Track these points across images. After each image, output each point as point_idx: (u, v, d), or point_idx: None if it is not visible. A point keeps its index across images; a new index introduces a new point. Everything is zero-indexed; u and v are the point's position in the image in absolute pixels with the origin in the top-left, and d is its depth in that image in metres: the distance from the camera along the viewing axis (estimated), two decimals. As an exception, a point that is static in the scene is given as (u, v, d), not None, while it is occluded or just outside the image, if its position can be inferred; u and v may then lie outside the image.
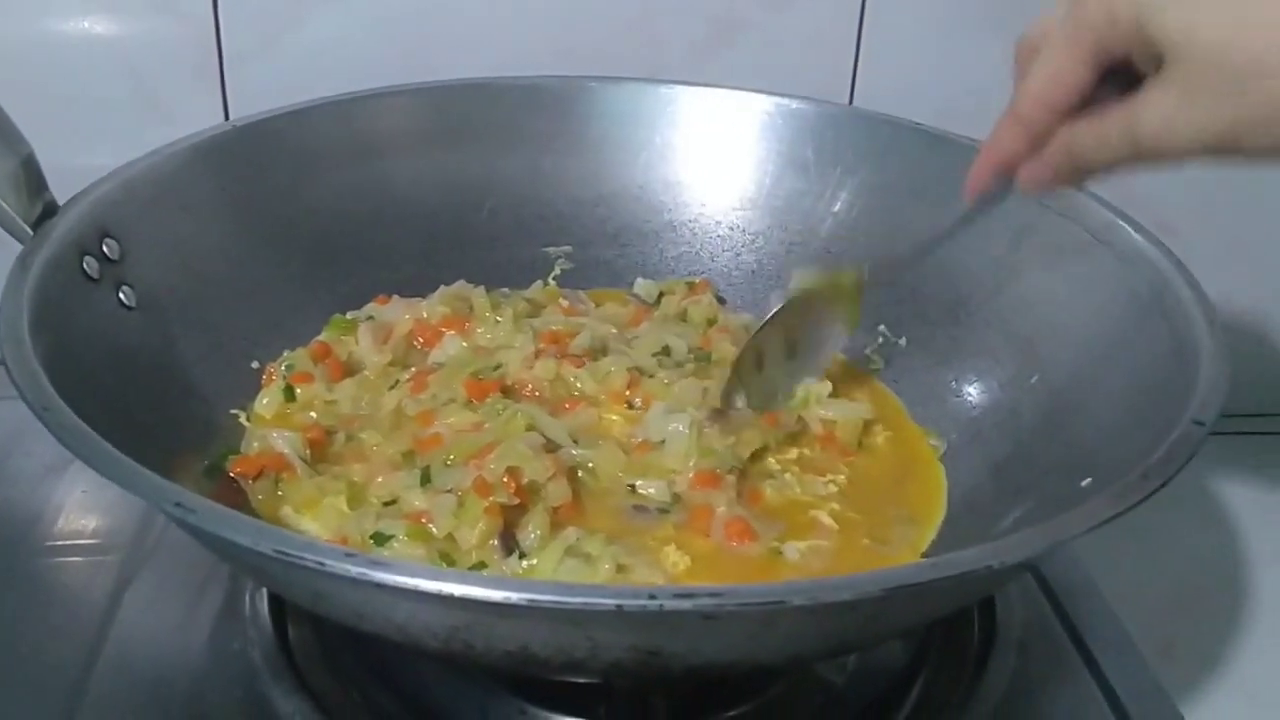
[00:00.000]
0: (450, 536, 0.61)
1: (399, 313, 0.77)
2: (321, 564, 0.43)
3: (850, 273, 0.71)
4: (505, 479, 0.62)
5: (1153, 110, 0.49)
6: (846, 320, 0.73)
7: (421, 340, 0.76)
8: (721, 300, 0.85)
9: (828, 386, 0.75)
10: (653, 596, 0.43)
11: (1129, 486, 0.50)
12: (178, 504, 0.47)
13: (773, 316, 0.71)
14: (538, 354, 0.74)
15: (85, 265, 0.64)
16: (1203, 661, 0.76)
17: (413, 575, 0.43)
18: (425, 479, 0.64)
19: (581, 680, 0.57)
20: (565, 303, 0.82)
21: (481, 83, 0.85)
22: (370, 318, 0.78)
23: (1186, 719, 0.64)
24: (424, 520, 0.62)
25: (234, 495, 0.65)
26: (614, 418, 0.71)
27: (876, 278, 0.71)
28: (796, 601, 0.43)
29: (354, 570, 0.43)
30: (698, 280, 0.85)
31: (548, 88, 0.86)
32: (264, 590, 0.66)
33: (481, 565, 0.60)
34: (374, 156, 0.82)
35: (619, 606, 0.43)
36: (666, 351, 0.76)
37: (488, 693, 0.63)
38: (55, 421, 0.51)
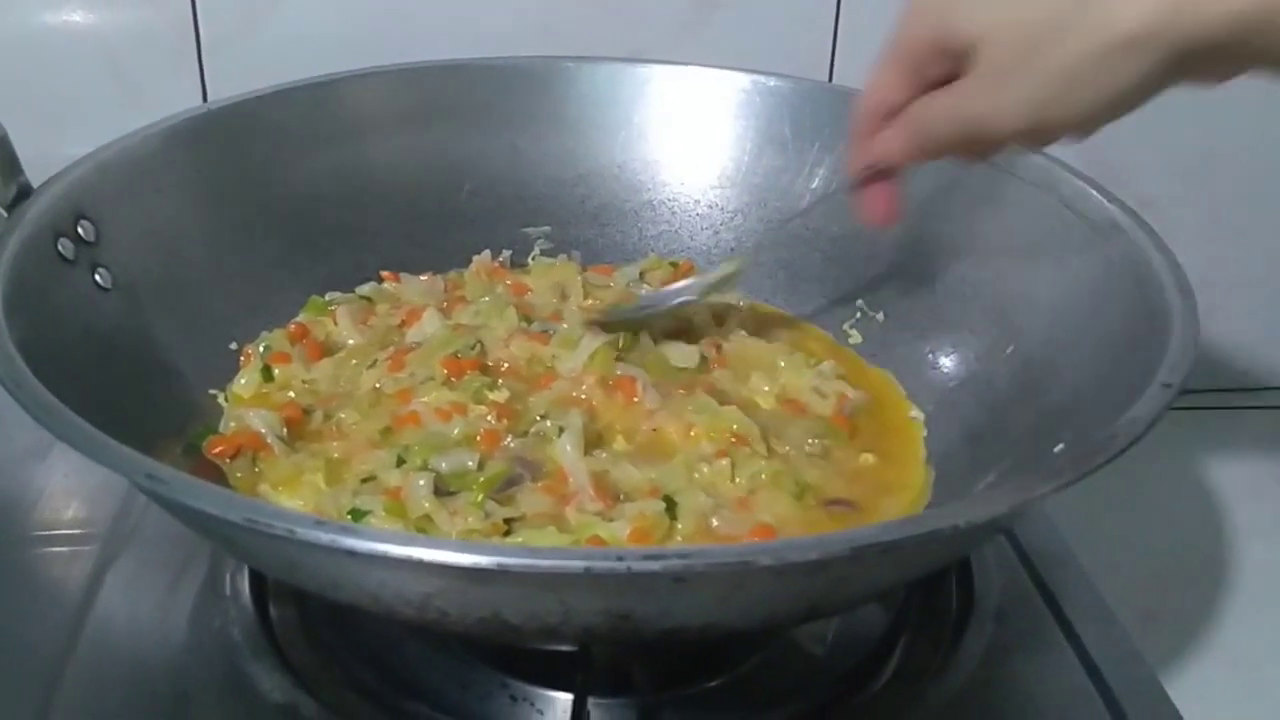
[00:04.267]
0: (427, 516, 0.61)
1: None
2: (291, 531, 0.44)
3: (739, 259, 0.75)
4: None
5: (974, 90, 0.53)
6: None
7: (401, 319, 0.77)
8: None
9: (833, 366, 0.75)
10: (620, 558, 0.43)
11: (1096, 447, 0.50)
12: (148, 475, 0.47)
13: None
14: (515, 334, 0.74)
15: (60, 247, 0.64)
16: (1184, 631, 0.76)
17: (382, 541, 0.43)
18: (400, 462, 0.64)
19: (558, 648, 0.57)
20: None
21: (459, 64, 0.85)
22: (366, 298, 0.79)
23: (1168, 688, 0.64)
24: (401, 495, 0.62)
25: (213, 475, 0.65)
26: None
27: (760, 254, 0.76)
28: (763, 561, 0.44)
29: (324, 537, 0.43)
30: (681, 262, 0.85)
31: (526, 68, 0.86)
32: (245, 569, 0.67)
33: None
34: (352, 138, 0.82)
35: (588, 569, 0.43)
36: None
37: (469, 667, 0.63)
38: (28, 398, 0.51)
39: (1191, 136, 0.93)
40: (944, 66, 0.55)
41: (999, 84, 0.52)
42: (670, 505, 0.62)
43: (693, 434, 0.68)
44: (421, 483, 0.61)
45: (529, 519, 0.62)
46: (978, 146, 0.57)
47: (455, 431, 0.66)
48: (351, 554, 0.44)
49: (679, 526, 0.62)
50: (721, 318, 0.80)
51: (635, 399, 0.70)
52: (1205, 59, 0.49)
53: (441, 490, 0.62)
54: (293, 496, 0.64)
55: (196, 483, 0.47)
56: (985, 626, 0.66)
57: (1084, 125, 0.52)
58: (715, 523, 0.62)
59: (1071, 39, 0.49)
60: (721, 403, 0.69)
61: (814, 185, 0.83)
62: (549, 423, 0.67)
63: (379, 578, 0.47)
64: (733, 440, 0.67)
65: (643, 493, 0.64)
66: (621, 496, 0.63)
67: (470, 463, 0.63)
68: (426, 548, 0.43)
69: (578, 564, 0.43)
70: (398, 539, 0.44)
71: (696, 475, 0.65)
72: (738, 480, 0.65)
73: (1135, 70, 0.48)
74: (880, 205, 0.64)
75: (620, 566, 0.43)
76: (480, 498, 0.61)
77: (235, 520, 0.45)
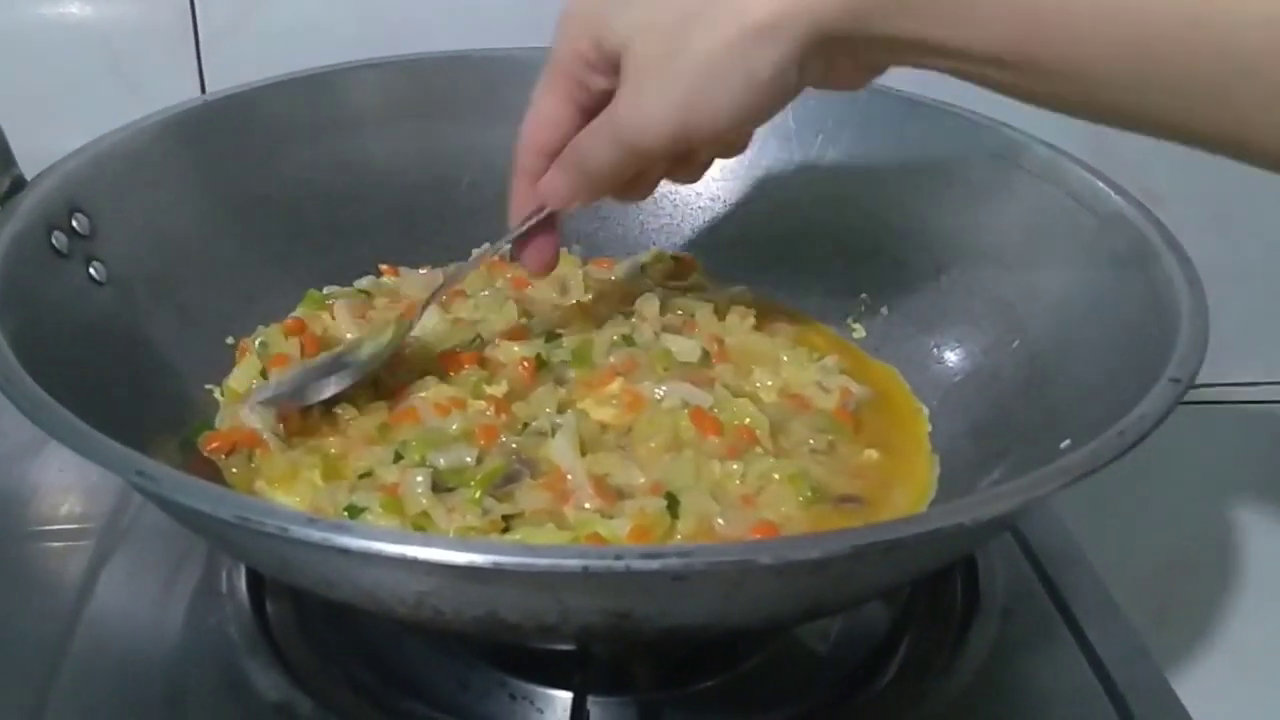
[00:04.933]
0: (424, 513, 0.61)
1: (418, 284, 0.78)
2: (284, 529, 0.43)
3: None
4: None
5: (623, 105, 0.54)
6: None
7: (399, 313, 0.76)
8: (708, 274, 0.84)
9: (837, 361, 0.74)
10: (619, 557, 0.42)
11: (1104, 444, 0.49)
12: (140, 472, 0.46)
13: None
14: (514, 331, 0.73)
15: (54, 240, 0.63)
16: (1192, 629, 0.76)
17: (375, 539, 0.43)
18: (398, 458, 0.64)
19: (557, 647, 0.56)
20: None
21: (458, 55, 0.84)
22: (365, 292, 0.78)
23: (1176, 685, 0.63)
24: (399, 492, 0.61)
25: (210, 471, 0.65)
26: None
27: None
28: (764, 560, 0.43)
29: (316, 535, 0.43)
30: (684, 256, 0.84)
31: (525, 59, 0.84)
32: (242, 566, 0.66)
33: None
34: (350, 130, 0.81)
35: (585, 567, 0.42)
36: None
37: (467, 665, 0.62)
38: (19, 393, 0.50)
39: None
40: (602, 80, 0.56)
41: (643, 88, 0.53)
42: (673, 503, 0.61)
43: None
44: (419, 479, 0.60)
45: (528, 516, 0.61)
46: (633, 166, 0.57)
47: (453, 427, 0.66)
48: (344, 552, 0.43)
49: (679, 524, 0.61)
50: (724, 312, 0.79)
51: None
52: (842, 50, 0.50)
53: (439, 486, 0.61)
54: (289, 493, 0.63)
55: (188, 480, 0.47)
56: (991, 624, 0.65)
57: (730, 125, 0.52)
58: (720, 521, 0.61)
59: (705, 32, 0.50)
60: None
61: (817, 177, 0.82)
62: (546, 420, 0.66)
63: (373, 576, 0.46)
64: (743, 435, 0.67)
65: (644, 490, 0.63)
66: (622, 494, 0.63)
67: (468, 458, 0.63)
68: (420, 546, 0.42)
69: (575, 563, 0.42)
70: (391, 537, 0.43)
71: (703, 473, 0.64)
72: (745, 479, 0.64)
73: (770, 60, 0.49)
74: (540, 255, 0.66)
75: (619, 565, 0.42)
76: (478, 494, 0.60)
77: (227, 518, 0.44)
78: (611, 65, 0.55)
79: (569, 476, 0.63)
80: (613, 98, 0.56)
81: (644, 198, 0.66)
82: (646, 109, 0.53)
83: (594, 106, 0.58)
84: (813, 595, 0.49)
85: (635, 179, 0.63)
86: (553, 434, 0.65)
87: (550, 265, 0.67)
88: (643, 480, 0.63)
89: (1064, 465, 0.49)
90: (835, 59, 0.51)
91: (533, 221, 0.64)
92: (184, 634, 0.63)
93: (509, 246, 0.68)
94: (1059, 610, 0.67)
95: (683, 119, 0.52)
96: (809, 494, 0.64)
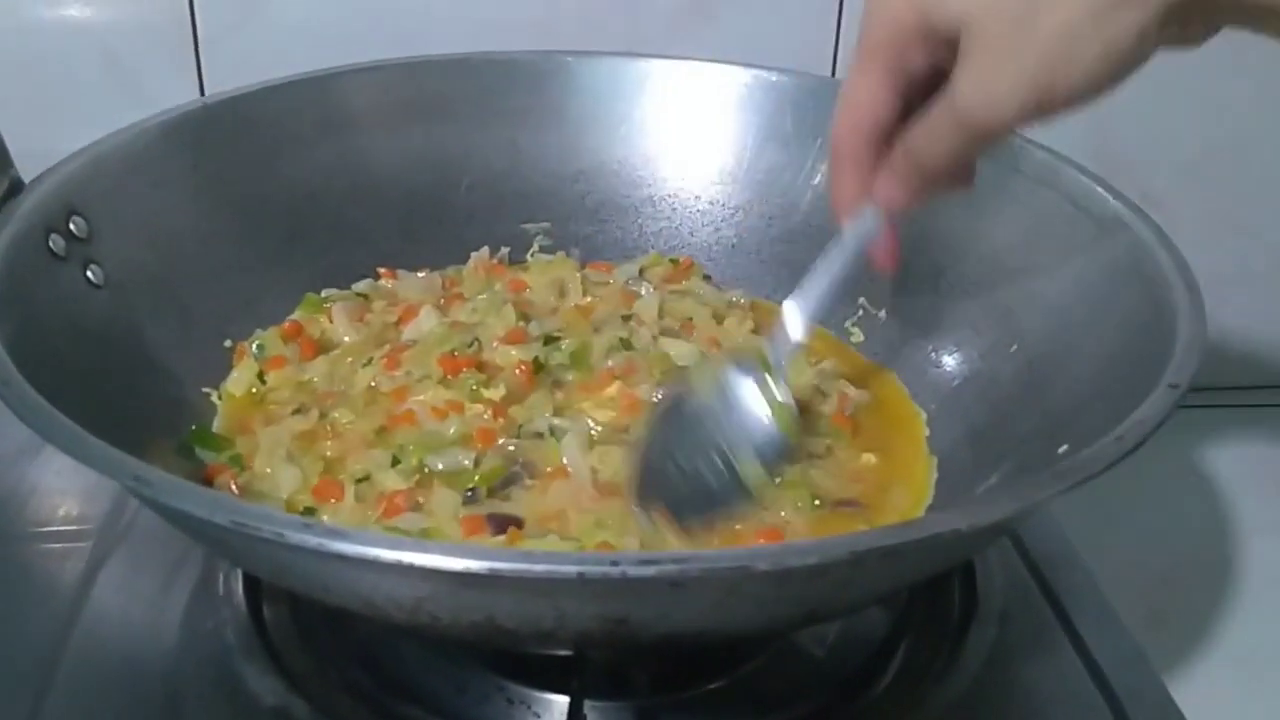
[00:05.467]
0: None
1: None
2: (279, 535, 0.43)
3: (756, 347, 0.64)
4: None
5: (967, 86, 0.49)
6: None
7: (397, 317, 0.76)
8: (707, 278, 0.84)
9: (835, 365, 0.75)
10: (615, 563, 0.42)
11: (1102, 450, 0.49)
12: (136, 477, 0.46)
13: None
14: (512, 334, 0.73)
15: (52, 243, 0.63)
16: (1189, 634, 0.75)
17: (372, 545, 0.43)
18: (396, 461, 0.64)
19: (554, 652, 0.56)
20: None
21: (458, 58, 0.84)
22: (364, 295, 0.78)
23: (1173, 690, 0.63)
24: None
25: (206, 475, 0.65)
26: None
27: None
28: (761, 566, 0.43)
29: (312, 541, 0.43)
30: (681, 259, 0.84)
31: (525, 63, 0.85)
32: (239, 571, 0.66)
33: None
34: (349, 133, 0.81)
35: (581, 574, 0.42)
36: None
37: (465, 670, 0.62)
38: (15, 397, 0.50)
39: (1196, 132, 0.93)
40: (927, 56, 0.51)
41: (992, 66, 0.48)
42: None
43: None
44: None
45: (529, 525, 0.61)
46: (977, 152, 0.54)
47: (451, 430, 0.66)
48: (340, 558, 0.43)
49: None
50: (722, 315, 0.79)
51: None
52: (1195, 8, 0.46)
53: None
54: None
55: (184, 485, 0.47)
56: (988, 629, 0.65)
57: (1085, 95, 0.48)
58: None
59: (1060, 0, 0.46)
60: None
61: (816, 181, 0.82)
62: (544, 423, 0.66)
63: (369, 581, 0.46)
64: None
65: None
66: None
67: (465, 461, 0.63)
68: (417, 552, 0.42)
69: (572, 569, 0.42)
70: (387, 543, 0.43)
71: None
72: None
73: (1132, 27, 0.46)
74: (889, 253, 0.60)
75: (615, 571, 0.42)
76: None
77: (223, 523, 0.44)
78: (940, 41, 0.50)
79: (572, 475, 0.62)
80: (938, 79, 0.51)
81: (972, 186, 0.59)
82: (997, 88, 0.48)
83: (910, 91, 0.53)
84: (810, 601, 0.49)
85: (966, 165, 0.57)
86: (553, 435, 0.65)
87: (895, 261, 0.60)
88: None
89: (1061, 471, 0.49)
90: (1190, 17, 0.47)
91: (876, 235, 0.58)
92: (181, 637, 0.63)
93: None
94: (1056, 615, 0.67)
95: (1037, 96, 0.48)
96: (811, 502, 0.64)
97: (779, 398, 0.61)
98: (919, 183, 0.55)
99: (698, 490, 0.60)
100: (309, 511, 0.62)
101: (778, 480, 0.63)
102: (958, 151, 0.53)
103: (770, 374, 0.62)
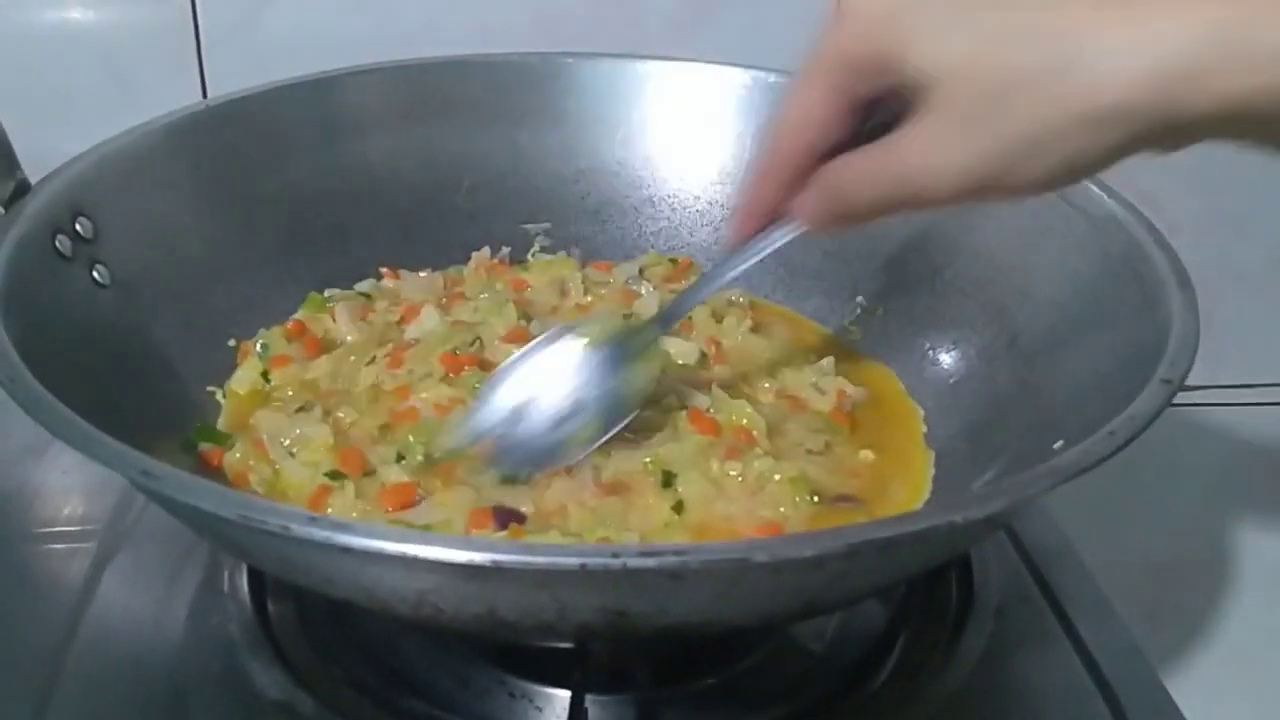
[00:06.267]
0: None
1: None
2: (286, 528, 0.43)
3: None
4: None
5: (916, 146, 0.47)
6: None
7: (400, 316, 0.77)
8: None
9: (832, 362, 0.75)
10: (616, 555, 0.43)
11: (1095, 444, 0.50)
12: (143, 472, 0.47)
13: None
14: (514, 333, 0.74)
15: (58, 243, 0.64)
16: (1185, 628, 0.76)
17: (376, 538, 0.43)
18: (400, 458, 0.64)
19: (556, 645, 0.57)
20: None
21: (458, 60, 0.85)
22: (366, 294, 0.78)
23: (1168, 684, 0.64)
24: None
25: (213, 472, 0.65)
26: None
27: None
28: (760, 558, 0.43)
29: (318, 534, 0.43)
30: (680, 258, 0.85)
31: (525, 64, 0.86)
32: (244, 566, 0.66)
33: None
34: (350, 135, 0.82)
35: (582, 565, 0.43)
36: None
37: (468, 664, 0.63)
38: (24, 394, 0.51)
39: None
40: (878, 87, 0.48)
41: (951, 136, 0.45)
42: (669, 479, 0.63)
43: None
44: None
45: (530, 521, 0.61)
46: (907, 211, 0.50)
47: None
48: (346, 550, 0.43)
49: (683, 517, 0.62)
50: (721, 314, 0.79)
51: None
52: (1177, 135, 0.44)
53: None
54: (291, 493, 0.64)
55: (191, 479, 0.47)
56: (985, 623, 0.66)
57: (1036, 190, 0.46)
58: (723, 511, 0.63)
59: (1045, 100, 0.43)
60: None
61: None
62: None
63: (374, 574, 0.47)
64: (741, 436, 0.67)
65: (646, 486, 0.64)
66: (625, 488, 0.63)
67: (468, 439, 0.64)
68: (421, 544, 0.43)
69: (573, 560, 0.43)
70: (392, 535, 0.44)
71: (707, 471, 0.65)
72: (744, 480, 0.65)
73: (1106, 142, 0.44)
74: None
75: (616, 563, 0.43)
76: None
77: (229, 516, 0.44)
78: (893, 84, 0.47)
79: (575, 471, 0.63)
80: (880, 100, 0.49)
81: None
82: (948, 160, 0.46)
83: (857, 109, 0.50)
84: (809, 593, 0.49)
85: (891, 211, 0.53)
86: None
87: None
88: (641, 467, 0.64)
89: (1055, 465, 0.49)
90: (1164, 139, 0.45)
91: (784, 240, 0.56)
92: (186, 633, 0.64)
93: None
94: (1053, 609, 0.68)
95: (985, 180, 0.45)
96: (809, 497, 0.64)
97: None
98: (844, 212, 0.52)
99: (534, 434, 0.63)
100: (334, 476, 0.63)
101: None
102: (884, 204, 0.50)
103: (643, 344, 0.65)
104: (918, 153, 0.47)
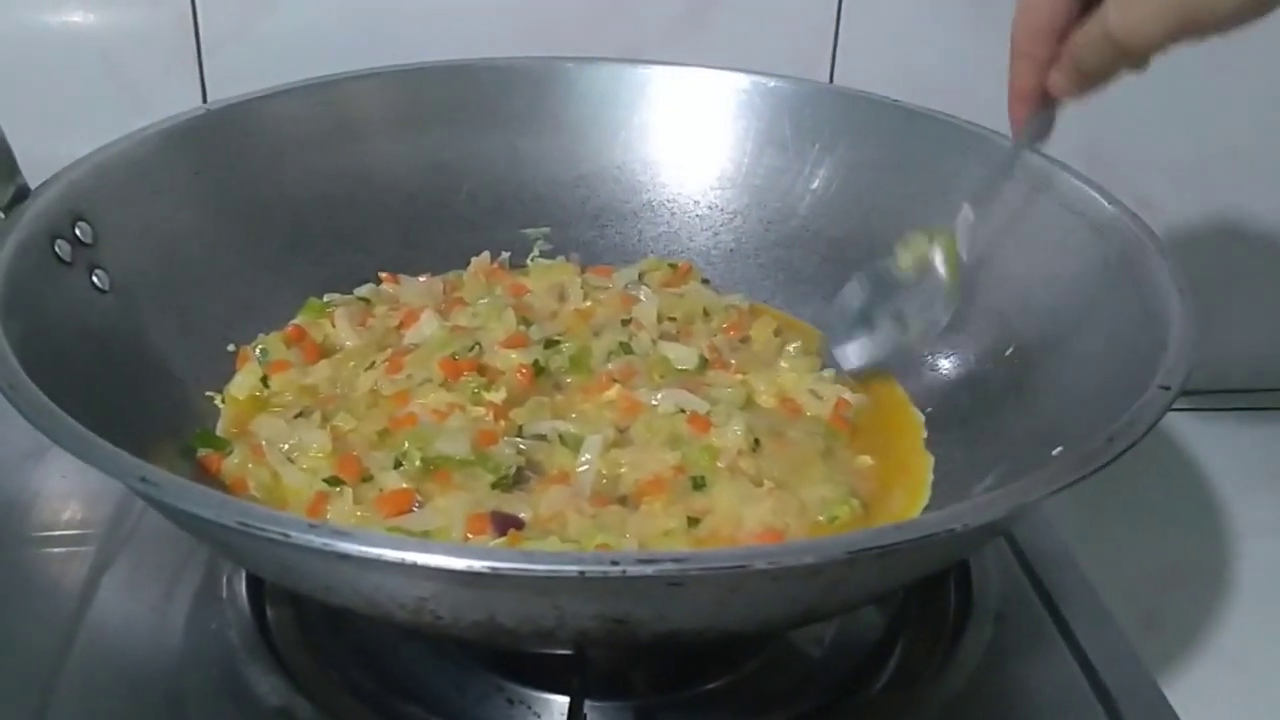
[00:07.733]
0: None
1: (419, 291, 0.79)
2: (285, 535, 0.43)
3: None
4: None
5: (1114, 10, 0.55)
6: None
7: (399, 321, 0.77)
8: (706, 281, 0.85)
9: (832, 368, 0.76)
10: (615, 562, 0.43)
11: (1094, 450, 0.50)
12: (142, 479, 0.47)
13: None
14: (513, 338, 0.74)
15: (57, 248, 0.64)
16: (1183, 634, 0.76)
17: (376, 545, 0.43)
18: (398, 464, 0.64)
19: (554, 651, 0.57)
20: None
21: (458, 65, 0.85)
22: (365, 299, 0.78)
23: (1166, 690, 0.64)
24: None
25: (211, 478, 0.65)
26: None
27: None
28: (759, 565, 0.43)
29: (317, 541, 0.43)
30: (680, 263, 0.85)
31: (524, 69, 0.86)
32: (242, 572, 0.66)
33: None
34: (350, 139, 0.82)
35: (582, 573, 0.43)
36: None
37: (466, 670, 0.63)
38: (23, 400, 0.51)
39: (1190, 137, 0.93)
40: None
41: None
42: (699, 485, 0.64)
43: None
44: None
45: (531, 525, 0.61)
46: (1130, 63, 0.58)
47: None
48: (344, 557, 0.43)
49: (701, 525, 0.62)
50: (721, 320, 0.79)
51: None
52: None
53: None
54: (290, 499, 0.64)
55: (190, 485, 0.47)
56: (984, 629, 0.66)
57: (1233, 23, 0.52)
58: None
59: None
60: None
61: (814, 186, 0.83)
62: (563, 428, 0.67)
63: (373, 581, 0.47)
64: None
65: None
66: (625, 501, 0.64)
67: (466, 445, 0.64)
68: (420, 551, 0.43)
69: (572, 568, 0.43)
70: (391, 542, 0.44)
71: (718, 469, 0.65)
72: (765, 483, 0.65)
73: None
74: (1045, 127, 0.66)
75: (615, 570, 0.42)
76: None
77: (229, 523, 0.44)
78: None
79: (574, 478, 0.64)
80: None
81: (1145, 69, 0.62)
82: (1141, 13, 0.54)
83: None
84: (808, 600, 0.49)
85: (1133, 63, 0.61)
86: (563, 442, 0.66)
87: (1048, 135, 0.67)
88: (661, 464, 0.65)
89: (1054, 471, 0.49)
90: None
91: (1044, 115, 0.65)
92: (185, 639, 0.64)
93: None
94: (1051, 615, 0.68)
95: (1181, 23, 0.52)
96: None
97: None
98: (1082, 81, 0.60)
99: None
100: (332, 482, 0.63)
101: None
102: (1110, 63, 0.58)
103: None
104: (1118, 13, 0.55)
